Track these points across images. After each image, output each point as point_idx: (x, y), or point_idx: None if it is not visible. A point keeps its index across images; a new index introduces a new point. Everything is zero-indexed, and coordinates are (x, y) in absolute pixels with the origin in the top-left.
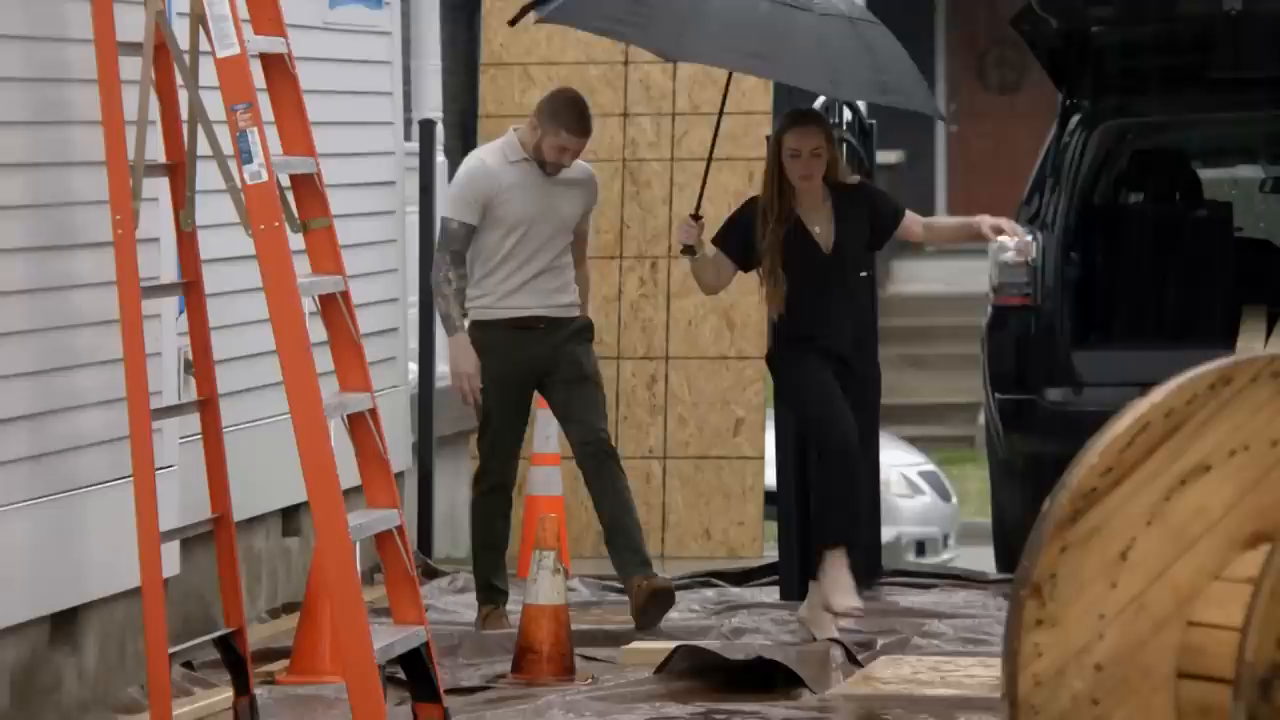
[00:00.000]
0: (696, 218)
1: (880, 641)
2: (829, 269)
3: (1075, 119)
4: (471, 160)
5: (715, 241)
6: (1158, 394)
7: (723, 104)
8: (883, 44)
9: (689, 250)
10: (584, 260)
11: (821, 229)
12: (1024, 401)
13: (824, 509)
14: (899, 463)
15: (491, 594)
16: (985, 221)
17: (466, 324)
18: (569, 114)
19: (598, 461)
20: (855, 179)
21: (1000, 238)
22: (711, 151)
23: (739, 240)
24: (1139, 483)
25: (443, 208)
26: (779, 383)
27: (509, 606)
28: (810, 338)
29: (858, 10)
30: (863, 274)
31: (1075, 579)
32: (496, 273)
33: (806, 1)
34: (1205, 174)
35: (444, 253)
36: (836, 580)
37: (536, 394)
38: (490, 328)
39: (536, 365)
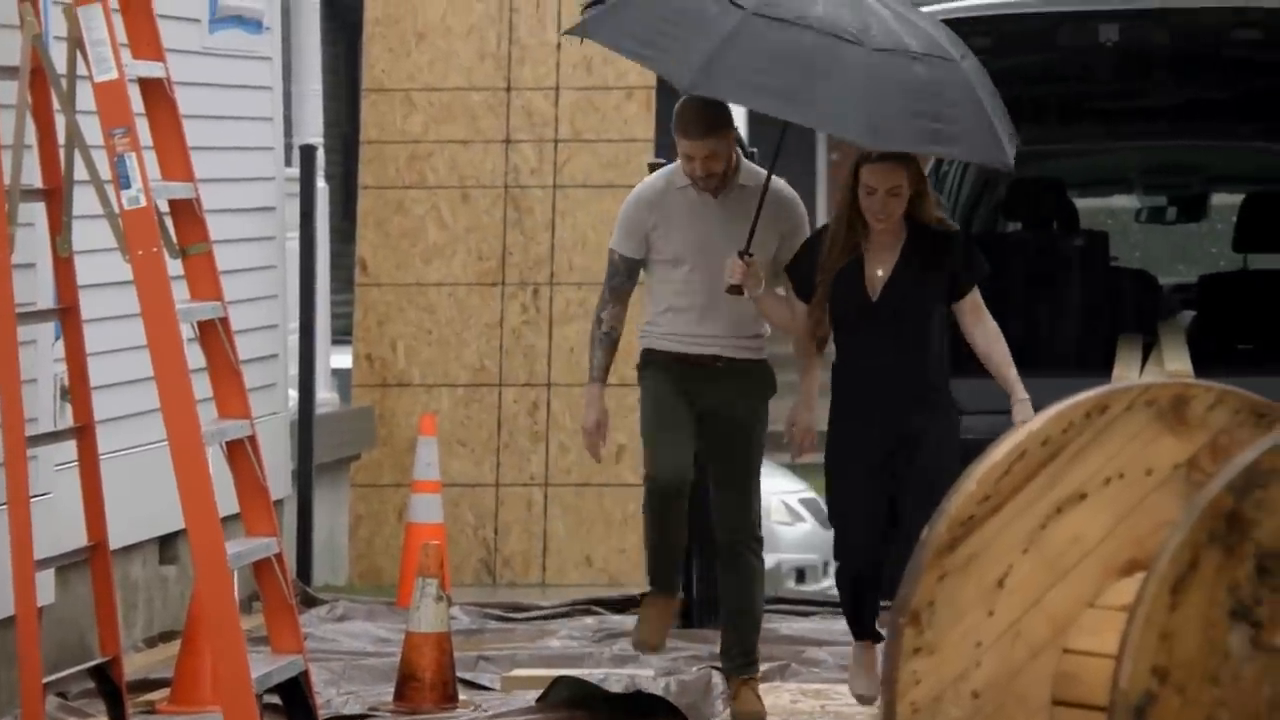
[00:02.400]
0: (746, 255)
1: (760, 669)
2: (873, 316)
3: None
4: (638, 186)
5: (787, 270)
6: (1035, 422)
7: (779, 144)
8: (950, 83)
9: (735, 290)
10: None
11: (882, 271)
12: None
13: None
14: (779, 490)
15: (667, 583)
16: (1019, 407)
17: (636, 357)
18: (683, 118)
19: (731, 556)
20: (952, 226)
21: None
22: (766, 185)
23: (805, 272)
24: (1016, 510)
25: (323, 233)
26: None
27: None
28: (852, 393)
29: (931, 43)
30: (925, 327)
31: (953, 606)
32: (666, 312)
33: (861, 33)
34: (1082, 204)
35: (604, 288)
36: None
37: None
38: (661, 355)
39: (703, 395)
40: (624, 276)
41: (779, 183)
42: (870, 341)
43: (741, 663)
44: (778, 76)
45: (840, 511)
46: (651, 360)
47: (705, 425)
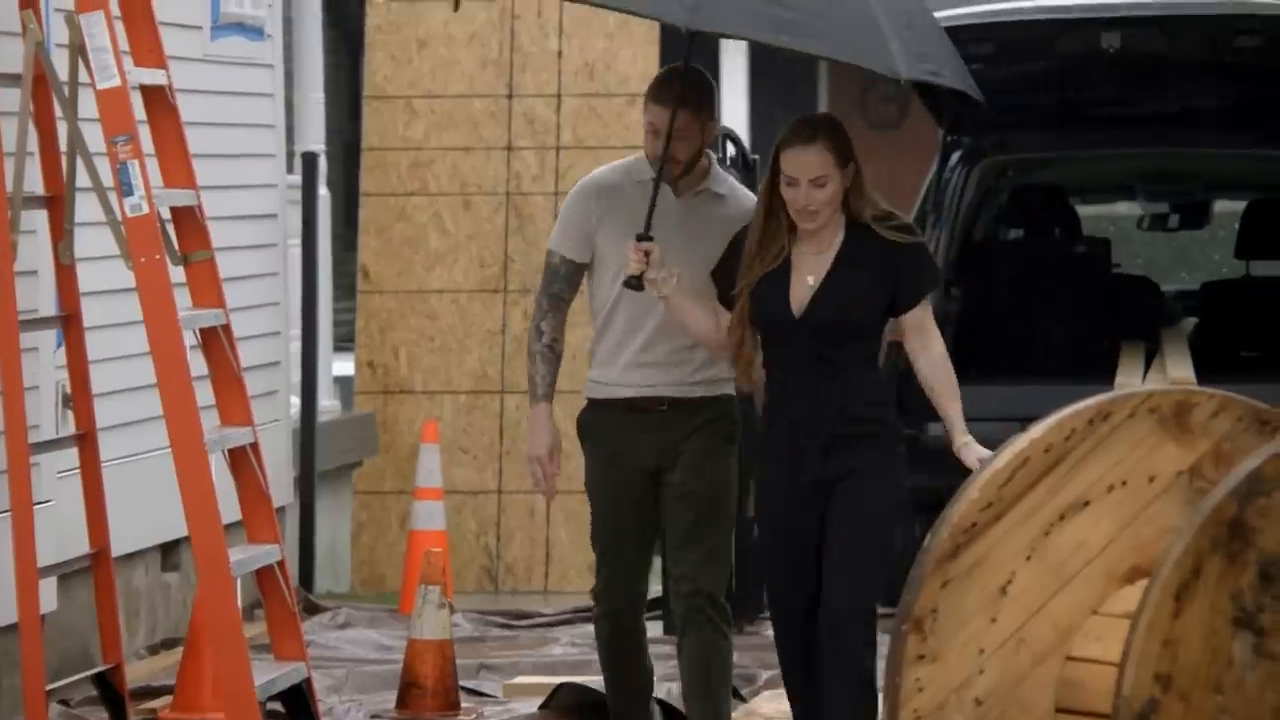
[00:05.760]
0: (645, 237)
1: (764, 675)
2: (799, 334)
3: (956, 155)
4: (587, 176)
5: (712, 275)
6: (1037, 429)
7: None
8: (920, 15)
9: (634, 284)
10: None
11: (813, 279)
12: (906, 436)
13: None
14: None
15: None
16: (963, 451)
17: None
18: (653, 84)
19: (685, 619)
20: (908, 225)
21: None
22: (667, 145)
23: (729, 275)
24: (1019, 518)
25: (325, 240)
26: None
27: (390, 642)
28: (775, 424)
29: None
30: (863, 346)
31: (956, 614)
32: (606, 334)
33: None
34: (1084, 210)
35: (541, 295)
36: None
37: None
38: (600, 409)
39: (651, 460)
40: (564, 282)
41: (744, 193)
42: (794, 363)
43: None
44: (776, 6)
45: (770, 568)
46: (591, 423)
47: (663, 480)
